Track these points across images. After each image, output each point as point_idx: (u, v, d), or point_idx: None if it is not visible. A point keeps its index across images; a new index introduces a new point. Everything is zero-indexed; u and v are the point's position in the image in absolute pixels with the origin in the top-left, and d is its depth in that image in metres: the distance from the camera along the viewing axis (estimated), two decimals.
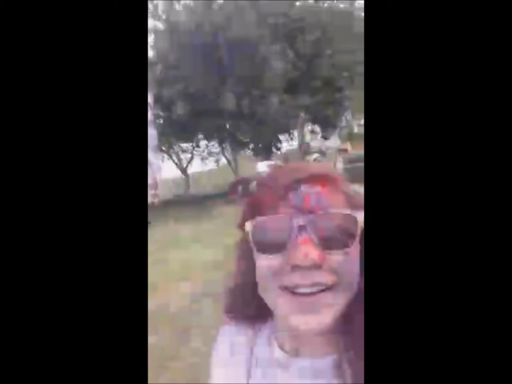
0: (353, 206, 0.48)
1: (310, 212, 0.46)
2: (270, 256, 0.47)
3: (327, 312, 0.45)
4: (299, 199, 0.47)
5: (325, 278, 0.45)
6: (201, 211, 9.73)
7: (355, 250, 0.46)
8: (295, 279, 0.45)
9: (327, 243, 0.45)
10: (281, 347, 0.54)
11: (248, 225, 0.49)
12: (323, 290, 0.45)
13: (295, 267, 0.44)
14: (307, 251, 0.43)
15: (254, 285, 0.51)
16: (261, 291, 0.50)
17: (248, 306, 0.56)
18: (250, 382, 0.54)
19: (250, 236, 0.48)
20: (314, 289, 0.45)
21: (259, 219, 0.48)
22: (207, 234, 6.36)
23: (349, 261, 0.46)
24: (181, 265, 4.52)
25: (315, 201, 0.47)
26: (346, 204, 0.49)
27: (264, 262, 0.47)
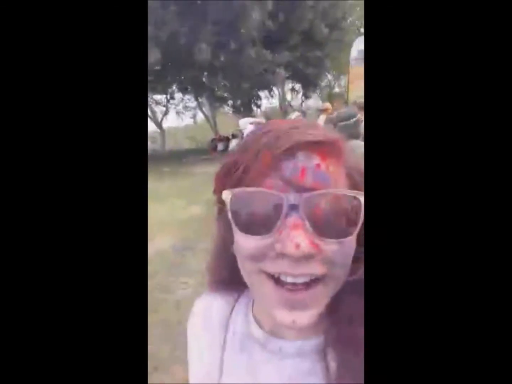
0: (356, 186, 0.40)
1: (306, 189, 0.37)
2: (252, 237, 0.38)
3: (315, 307, 0.39)
4: (294, 171, 0.37)
5: (316, 269, 0.38)
6: (179, 167, 9.62)
7: (352, 238, 0.38)
8: (281, 266, 0.38)
9: (323, 230, 0.37)
10: (260, 325, 0.48)
11: (226, 195, 0.40)
12: (311, 282, 0.39)
13: (282, 256, 0.37)
14: (298, 240, 0.36)
15: (233, 254, 0.44)
16: (240, 267, 0.43)
17: (225, 270, 0.50)
18: (225, 354, 0.50)
19: (228, 207, 0.39)
20: (301, 280, 0.38)
21: (241, 190, 0.38)
22: (186, 191, 6.36)
23: (344, 251, 0.38)
24: (160, 220, 4.56)
25: (312, 175, 0.37)
26: (348, 183, 0.40)
27: (244, 242, 0.39)
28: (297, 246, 0.36)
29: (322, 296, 0.40)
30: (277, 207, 0.37)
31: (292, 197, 0.37)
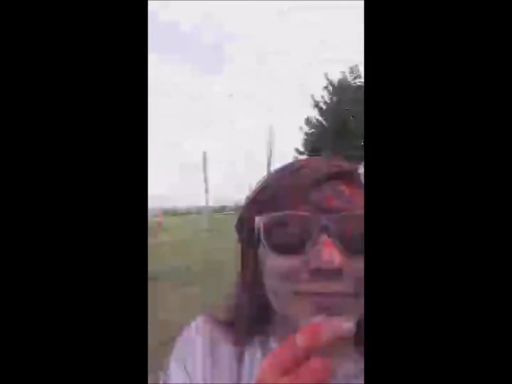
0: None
1: (333, 211, 0.41)
2: (285, 257, 0.41)
3: (349, 316, 0.39)
4: (322, 197, 0.42)
5: (346, 287, 0.40)
6: None
7: None
8: (313, 286, 0.40)
9: (351, 247, 0.40)
10: None
11: (259, 220, 0.43)
12: (343, 294, 0.40)
13: (316, 271, 0.39)
14: (332, 254, 0.39)
15: (259, 296, 0.46)
16: (269, 293, 0.45)
17: (254, 308, 0.49)
18: None
19: (260, 232, 0.42)
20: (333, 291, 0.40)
21: (274, 214, 0.42)
22: None
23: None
24: None
25: (339, 200, 0.42)
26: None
27: (277, 262, 0.42)
28: (331, 260, 0.38)
29: (353, 307, 0.40)
30: (310, 228, 0.40)
31: (323, 218, 0.40)
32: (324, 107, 21.17)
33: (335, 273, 0.39)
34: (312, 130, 21.56)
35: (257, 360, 0.50)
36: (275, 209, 0.42)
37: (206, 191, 18.00)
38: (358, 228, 0.39)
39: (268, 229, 0.42)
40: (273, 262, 0.42)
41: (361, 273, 0.38)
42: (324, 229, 0.40)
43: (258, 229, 0.43)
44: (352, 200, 0.42)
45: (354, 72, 20.72)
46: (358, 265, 0.39)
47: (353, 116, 18.93)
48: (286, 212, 0.41)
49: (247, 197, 0.48)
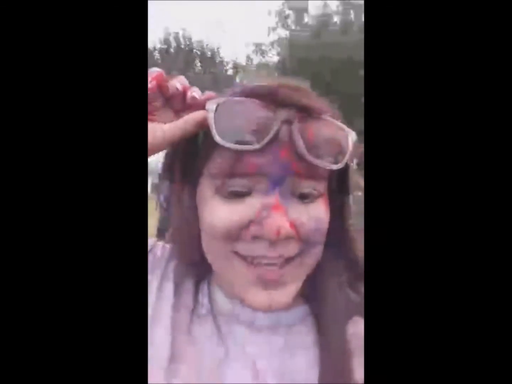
0: None
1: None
2: (230, 203, 0.37)
3: (291, 286, 0.39)
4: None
5: (292, 250, 0.38)
6: None
7: (326, 207, 0.39)
8: (257, 249, 0.37)
9: (315, 150, 0.36)
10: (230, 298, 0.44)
11: (211, 104, 0.37)
12: (287, 260, 0.38)
13: (259, 238, 0.37)
14: (279, 222, 0.35)
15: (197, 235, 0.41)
16: (207, 249, 0.41)
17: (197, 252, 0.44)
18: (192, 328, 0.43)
19: (211, 121, 0.36)
20: (276, 261, 0.38)
21: (232, 98, 0.38)
22: None
23: (319, 230, 0.39)
24: None
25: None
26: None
27: (217, 216, 0.37)
28: (278, 231, 0.35)
29: (297, 273, 0.39)
30: (270, 120, 0.36)
31: (286, 112, 0.36)
32: None
33: (285, 239, 0.36)
34: None
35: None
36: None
37: None
38: (323, 131, 0.37)
39: (221, 115, 0.36)
40: (214, 212, 0.38)
41: (308, 235, 0.37)
42: (286, 122, 0.36)
43: (209, 118, 0.36)
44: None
45: None
46: (305, 228, 0.37)
47: None
48: (246, 98, 0.37)
49: None
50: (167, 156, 0.44)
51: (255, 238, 0.37)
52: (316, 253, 0.40)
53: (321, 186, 0.39)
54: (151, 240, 0.49)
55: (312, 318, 0.43)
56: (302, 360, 0.41)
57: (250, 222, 0.37)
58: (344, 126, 0.38)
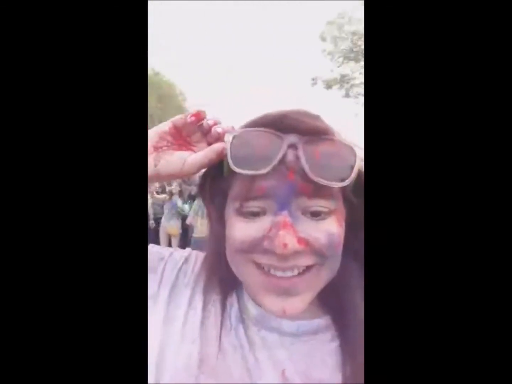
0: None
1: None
2: (247, 221, 0.41)
3: (306, 294, 0.42)
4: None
5: (305, 261, 0.41)
6: None
7: (339, 223, 0.42)
8: (270, 259, 0.41)
9: (319, 171, 0.39)
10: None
11: (228, 136, 0.43)
12: (303, 271, 0.41)
13: (269, 251, 0.40)
14: (286, 239, 0.38)
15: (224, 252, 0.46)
16: (230, 261, 0.45)
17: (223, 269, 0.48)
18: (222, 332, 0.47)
19: (228, 151, 0.42)
20: (289, 273, 0.41)
21: (244, 129, 0.43)
22: None
23: (332, 243, 0.41)
24: None
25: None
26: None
27: (236, 229, 0.42)
28: (285, 245, 0.38)
29: (313, 283, 0.42)
30: (277, 145, 0.40)
31: (292, 136, 0.40)
32: None
33: (291, 255, 0.39)
34: None
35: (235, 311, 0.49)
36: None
37: None
38: (328, 151, 0.40)
39: (236, 145, 0.42)
40: (232, 229, 0.43)
41: (321, 249, 0.40)
42: (291, 147, 0.40)
43: (226, 148, 0.42)
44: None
45: None
46: (319, 238, 0.40)
47: None
48: (256, 128, 0.42)
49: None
50: (201, 179, 0.50)
51: (267, 251, 0.40)
52: (331, 266, 0.43)
53: (331, 204, 0.42)
54: (187, 250, 0.56)
55: (334, 327, 0.46)
56: (326, 365, 0.44)
57: (264, 237, 0.40)
58: (351, 144, 0.41)
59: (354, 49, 11.22)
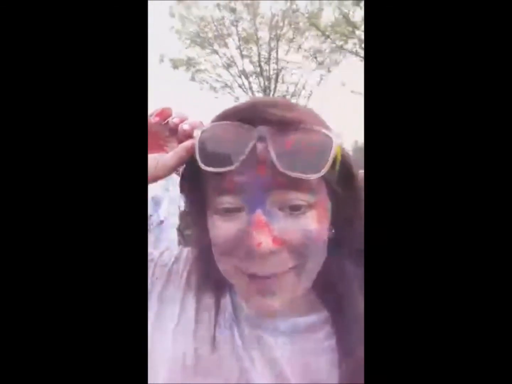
0: None
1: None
2: (224, 218, 0.40)
3: (290, 291, 0.41)
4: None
5: (285, 264, 0.40)
6: None
7: (320, 217, 0.40)
8: (251, 267, 0.40)
9: (289, 163, 0.37)
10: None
11: (196, 132, 0.41)
12: (283, 273, 0.40)
13: (251, 255, 0.38)
14: (260, 238, 0.37)
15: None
16: (216, 261, 0.44)
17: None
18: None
19: (196, 148, 0.41)
20: (273, 273, 0.40)
21: (211, 124, 0.42)
22: None
23: (312, 243, 0.40)
24: None
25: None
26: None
27: (217, 230, 0.41)
28: (259, 245, 0.37)
29: (296, 283, 0.41)
30: (245, 138, 0.38)
31: (261, 129, 0.38)
32: None
33: (270, 254, 0.38)
34: None
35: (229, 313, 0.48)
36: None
37: None
38: (304, 141, 0.38)
39: (205, 140, 0.40)
40: (215, 228, 0.41)
41: (300, 249, 0.39)
42: (261, 139, 0.38)
43: (195, 145, 0.41)
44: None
45: None
46: (295, 241, 0.39)
47: None
48: (224, 121, 0.40)
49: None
50: (180, 178, 0.47)
51: (247, 253, 0.39)
52: (313, 264, 0.42)
53: (309, 197, 0.40)
54: (177, 248, 0.55)
55: (331, 323, 0.45)
56: (322, 363, 0.43)
57: (243, 236, 0.39)
58: (329, 132, 0.39)
59: (201, 34, 11.11)
